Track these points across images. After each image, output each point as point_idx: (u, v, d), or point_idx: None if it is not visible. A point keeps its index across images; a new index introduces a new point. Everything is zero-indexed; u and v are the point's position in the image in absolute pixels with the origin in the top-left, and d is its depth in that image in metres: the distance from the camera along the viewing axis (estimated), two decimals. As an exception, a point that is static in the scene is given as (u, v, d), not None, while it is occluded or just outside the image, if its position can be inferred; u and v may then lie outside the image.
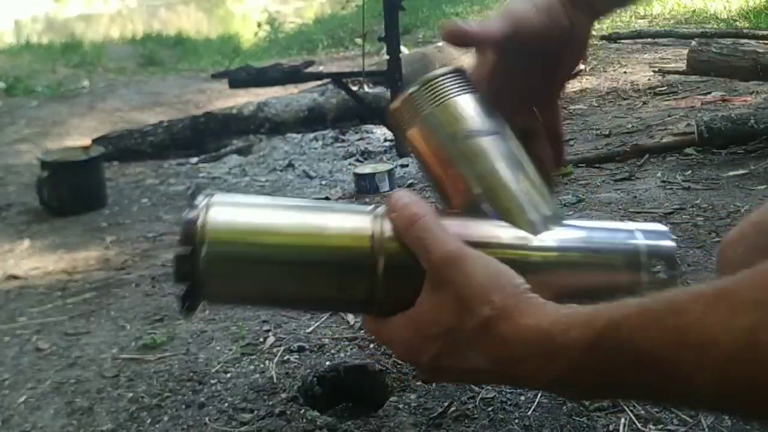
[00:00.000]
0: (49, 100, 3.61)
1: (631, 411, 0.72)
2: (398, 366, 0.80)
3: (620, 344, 0.38)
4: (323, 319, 1.00)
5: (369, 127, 2.42)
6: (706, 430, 0.69)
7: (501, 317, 0.42)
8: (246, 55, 5.44)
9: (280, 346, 0.93)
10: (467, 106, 0.49)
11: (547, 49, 0.52)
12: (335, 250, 0.46)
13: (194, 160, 2.38)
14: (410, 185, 1.75)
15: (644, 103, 2.31)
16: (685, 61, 2.62)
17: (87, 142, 2.41)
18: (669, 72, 2.66)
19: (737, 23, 3.54)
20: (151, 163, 2.39)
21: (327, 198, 1.76)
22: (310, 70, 2.52)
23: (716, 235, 1.14)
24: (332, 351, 0.92)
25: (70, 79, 4.21)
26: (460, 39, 0.49)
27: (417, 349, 0.46)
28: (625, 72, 2.83)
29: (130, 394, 0.85)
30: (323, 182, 1.92)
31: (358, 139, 2.36)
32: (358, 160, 2.11)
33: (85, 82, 4.10)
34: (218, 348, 0.95)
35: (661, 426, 0.70)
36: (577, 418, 0.71)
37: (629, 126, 2.02)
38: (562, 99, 0.59)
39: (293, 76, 2.32)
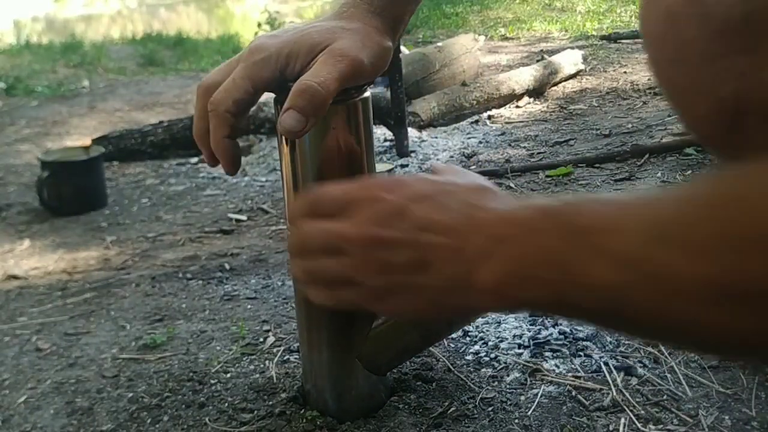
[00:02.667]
0: (49, 100, 3.61)
1: (631, 411, 0.72)
2: (398, 366, 0.80)
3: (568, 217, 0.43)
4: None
5: (369, 127, 2.43)
6: (706, 430, 0.69)
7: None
8: (246, 55, 5.41)
9: (280, 346, 0.93)
10: None
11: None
12: None
13: (194, 160, 2.38)
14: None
15: (644, 103, 2.31)
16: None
17: (87, 142, 2.41)
18: (669, 72, 2.65)
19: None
20: (151, 163, 2.39)
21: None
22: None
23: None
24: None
25: (70, 79, 4.21)
26: (301, 131, 0.57)
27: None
28: (625, 72, 2.83)
29: (130, 394, 0.85)
30: (323, 182, 1.92)
31: (358, 139, 2.36)
32: (358, 160, 2.11)
33: (85, 82, 4.10)
34: (218, 348, 0.95)
35: (661, 426, 0.70)
36: (577, 418, 0.71)
37: (629, 126, 2.02)
38: None
39: (293, 76, 2.31)
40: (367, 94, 0.66)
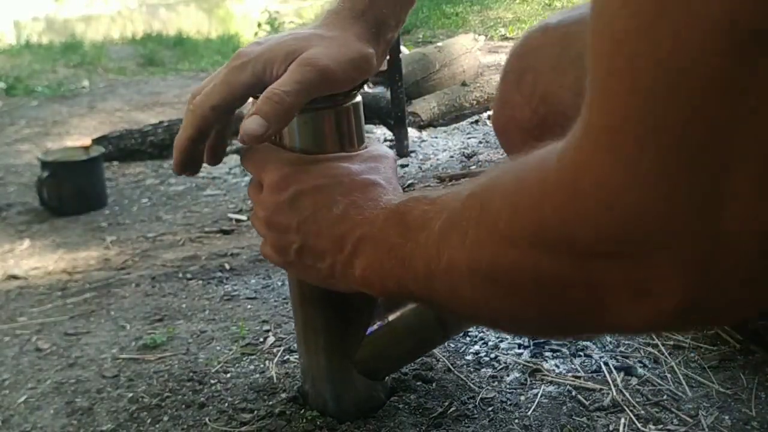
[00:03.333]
0: (49, 100, 3.61)
1: (631, 411, 0.72)
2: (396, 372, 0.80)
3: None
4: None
5: (369, 126, 2.43)
6: (706, 430, 0.69)
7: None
8: (246, 55, 5.41)
9: (280, 346, 0.93)
10: None
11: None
12: None
13: (194, 160, 2.38)
14: (410, 185, 1.75)
15: (644, 103, 2.31)
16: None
17: (87, 142, 2.41)
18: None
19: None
20: (151, 163, 2.39)
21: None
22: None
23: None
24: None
25: (70, 79, 4.21)
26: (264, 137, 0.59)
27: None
28: (625, 72, 2.82)
29: (130, 394, 0.85)
30: (323, 182, 1.92)
31: (358, 139, 2.36)
32: (358, 160, 2.11)
33: (85, 82, 4.10)
34: (218, 348, 0.95)
35: (661, 426, 0.70)
36: (577, 418, 0.71)
37: (629, 126, 2.02)
38: None
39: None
40: (358, 99, 0.66)
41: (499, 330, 0.70)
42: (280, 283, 1.19)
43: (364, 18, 0.65)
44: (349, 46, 0.62)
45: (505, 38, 4.26)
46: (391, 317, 0.71)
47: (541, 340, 0.87)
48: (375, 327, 0.71)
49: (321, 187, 0.59)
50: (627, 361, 0.81)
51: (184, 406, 0.81)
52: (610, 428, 0.70)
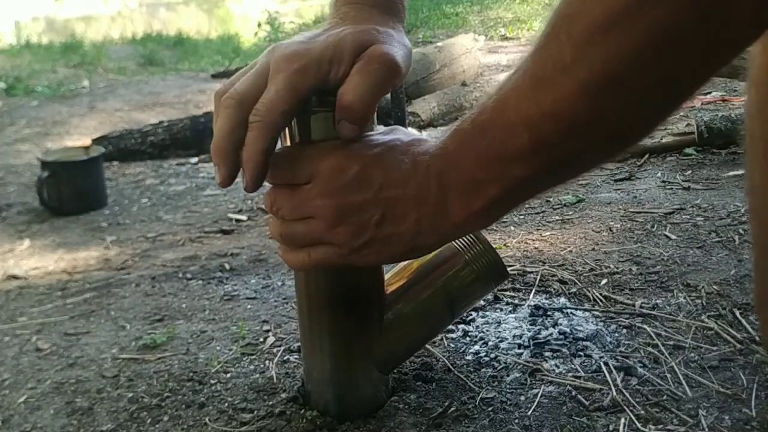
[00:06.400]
0: (49, 100, 3.61)
1: (631, 411, 0.72)
2: (399, 367, 0.80)
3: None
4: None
5: (369, 127, 2.43)
6: (706, 429, 0.69)
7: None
8: (246, 55, 5.44)
9: (280, 346, 0.93)
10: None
11: None
12: None
13: (194, 160, 2.39)
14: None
15: (644, 103, 2.31)
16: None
17: (87, 142, 2.41)
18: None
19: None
20: (151, 163, 2.39)
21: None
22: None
23: (716, 235, 1.15)
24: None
25: (70, 79, 4.21)
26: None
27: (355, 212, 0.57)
28: (625, 72, 2.82)
29: (130, 394, 0.85)
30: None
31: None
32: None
33: (85, 82, 4.11)
34: (218, 348, 0.95)
35: (661, 426, 0.70)
36: (577, 418, 0.71)
37: (629, 126, 2.02)
38: None
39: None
40: None
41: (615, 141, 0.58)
42: (280, 283, 1.19)
43: (391, 11, 0.65)
44: (400, 40, 0.61)
45: (505, 38, 4.26)
46: (401, 306, 0.72)
47: (541, 340, 0.87)
48: (388, 316, 0.71)
49: (380, 154, 0.58)
50: (627, 361, 0.81)
51: (184, 406, 0.81)
52: (610, 428, 0.70)
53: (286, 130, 0.64)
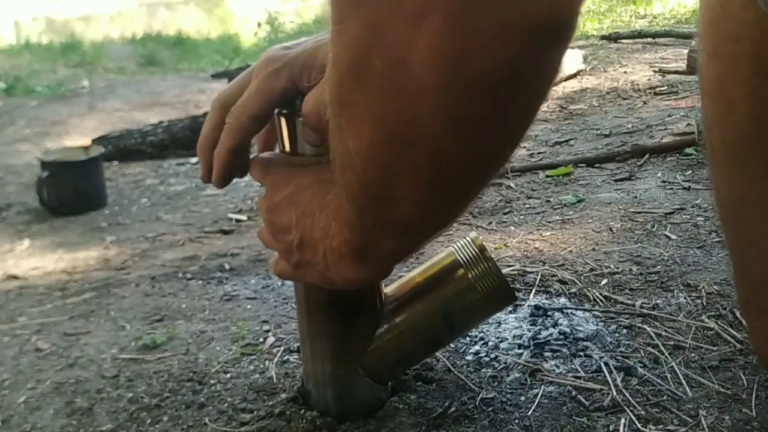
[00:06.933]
0: (49, 100, 3.61)
1: (632, 411, 0.72)
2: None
3: None
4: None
5: (369, 127, 2.43)
6: (706, 429, 0.69)
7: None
8: (246, 55, 5.44)
9: (280, 346, 0.93)
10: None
11: None
12: None
13: (194, 160, 2.39)
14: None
15: (644, 103, 2.31)
16: (685, 61, 2.62)
17: (87, 142, 2.41)
18: (669, 72, 2.66)
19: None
20: (151, 163, 2.39)
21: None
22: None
23: (716, 235, 1.14)
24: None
25: (70, 79, 4.21)
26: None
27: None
28: (625, 72, 2.83)
29: (130, 394, 0.84)
30: (323, 182, 1.92)
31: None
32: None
33: (85, 82, 4.11)
34: (218, 348, 0.95)
35: (661, 426, 0.70)
36: (577, 418, 0.71)
37: (629, 126, 2.02)
38: None
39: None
40: None
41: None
42: (280, 283, 1.19)
43: None
44: None
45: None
46: (398, 320, 0.71)
47: (541, 340, 0.87)
48: (382, 330, 0.71)
49: (320, 180, 0.58)
50: (627, 361, 0.81)
51: (184, 406, 0.81)
52: (610, 428, 0.70)
53: (282, 130, 0.64)
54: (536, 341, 0.87)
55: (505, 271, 1.07)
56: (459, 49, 0.33)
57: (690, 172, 1.54)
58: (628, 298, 0.96)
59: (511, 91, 0.37)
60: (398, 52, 0.35)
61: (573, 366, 0.81)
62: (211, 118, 0.64)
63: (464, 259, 0.69)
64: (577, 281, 1.02)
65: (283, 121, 0.64)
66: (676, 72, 2.60)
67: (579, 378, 0.78)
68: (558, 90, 2.65)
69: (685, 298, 0.95)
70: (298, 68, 0.58)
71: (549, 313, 0.93)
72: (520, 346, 0.86)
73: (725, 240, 0.73)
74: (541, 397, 0.75)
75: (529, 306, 0.96)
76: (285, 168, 0.62)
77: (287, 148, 0.65)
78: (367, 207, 0.49)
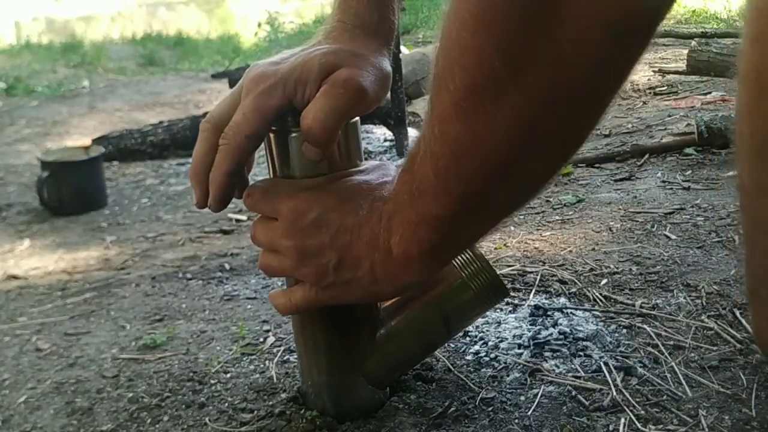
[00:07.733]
0: (49, 100, 3.62)
1: (631, 411, 0.72)
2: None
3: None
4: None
5: (369, 126, 2.43)
6: (706, 430, 0.69)
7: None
8: (246, 55, 5.44)
9: (280, 346, 0.93)
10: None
11: None
12: None
13: (194, 160, 2.38)
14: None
15: (644, 103, 2.32)
16: (685, 61, 2.61)
17: (87, 142, 2.41)
18: (669, 72, 2.66)
19: (737, 23, 3.55)
20: (151, 163, 2.39)
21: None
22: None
23: (716, 235, 1.15)
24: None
25: (70, 79, 4.21)
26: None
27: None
28: (625, 72, 2.82)
29: (130, 394, 0.85)
30: (323, 182, 1.92)
31: (358, 139, 2.36)
32: (358, 160, 2.11)
33: (85, 82, 4.11)
34: (218, 348, 0.95)
35: (661, 426, 0.70)
36: (577, 418, 0.71)
37: (629, 126, 2.03)
38: None
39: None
40: (356, 119, 0.65)
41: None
42: (280, 284, 1.19)
43: (378, 33, 0.63)
44: (375, 64, 0.60)
45: (505, 38, 4.25)
46: (394, 323, 0.71)
47: (541, 340, 0.87)
48: (380, 336, 0.71)
49: (343, 199, 0.58)
50: (627, 361, 0.81)
51: (184, 406, 0.81)
52: (610, 428, 0.70)
53: (272, 147, 0.64)
54: (536, 341, 0.87)
55: (505, 271, 1.07)
56: None
57: (690, 172, 1.54)
58: (628, 298, 0.96)
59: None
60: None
61: (573, 366, 0.81)
62: (203, 140, 0.62)
63: (457, 258, 0.70)
64: (576, 281, 1.02)
65: (272, 138, 0.63)
66: (676, 72, 2.60)
67: (579, 378, 0.78)
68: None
69: (684, 298, 0.95)
70: (293, 83, 0.57)
71: (549, 313, 0.93)
72: (520, 346, 0.86)
73: (741, 227, 0.73)
74: (540, 396, 0.75)
75: (528, 306, 0.96)
76: (297, 192, 0.60)
77: (277, 166, 0.64)
78: (471, 200, 0.49)
